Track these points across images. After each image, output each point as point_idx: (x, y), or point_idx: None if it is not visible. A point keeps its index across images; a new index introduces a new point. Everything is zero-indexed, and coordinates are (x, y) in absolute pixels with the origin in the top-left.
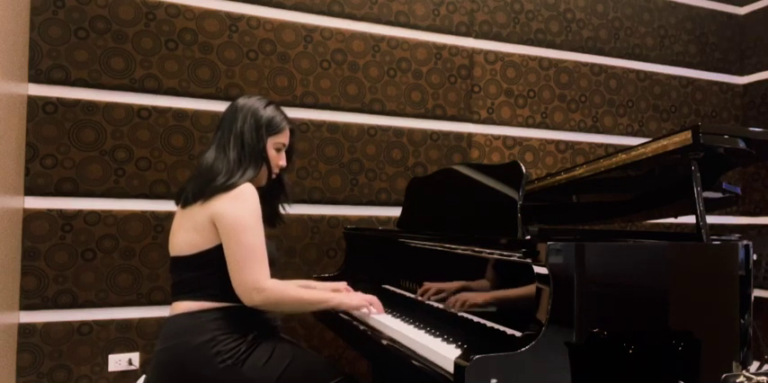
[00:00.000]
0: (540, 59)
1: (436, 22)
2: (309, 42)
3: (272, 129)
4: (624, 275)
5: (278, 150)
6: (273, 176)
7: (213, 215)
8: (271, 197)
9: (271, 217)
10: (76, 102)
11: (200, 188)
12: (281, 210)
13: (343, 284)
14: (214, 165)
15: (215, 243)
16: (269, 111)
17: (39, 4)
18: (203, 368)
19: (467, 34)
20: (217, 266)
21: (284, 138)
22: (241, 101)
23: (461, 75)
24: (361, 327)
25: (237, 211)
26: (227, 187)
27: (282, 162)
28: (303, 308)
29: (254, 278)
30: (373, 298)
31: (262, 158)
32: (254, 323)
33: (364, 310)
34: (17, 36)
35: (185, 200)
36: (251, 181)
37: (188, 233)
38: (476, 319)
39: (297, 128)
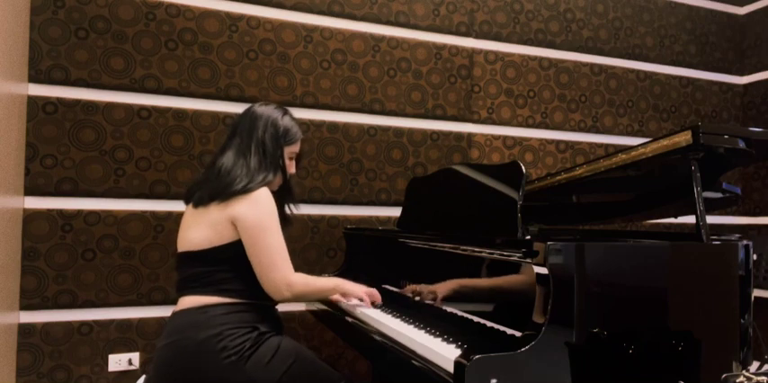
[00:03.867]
0: (540, 59)
1: (436, 22)
2: (309, 42)
3: (288, 139)
4: (624, 275)
5: (290, 159)
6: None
7: (232, 216)
8: (278, 199)
9: (279, 218)
10: (76, 102)
11: (219, 190)
12: (288, 211)
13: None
14: (233, 170)
15: (231, 239)
16: (287, 122)
17: (39, 4)
18: (207, 362)
19: (467, 34)
20: (231, 263)
21: (297, 147)
22: (259, 109)
23: (461, 75)
24: (362, 327)
25: (258, 214)
26: (246, 191)
27: (293, 169)
28: (321, 296)
29: (283, 275)
30: (373, 291)
31: (279, 165)
32: (260, 320)
33: (365, 298)
34: (17, 36)
35: (200, 200)
36: (267, 185)
37: (203, 229)
38: (476, 319)
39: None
